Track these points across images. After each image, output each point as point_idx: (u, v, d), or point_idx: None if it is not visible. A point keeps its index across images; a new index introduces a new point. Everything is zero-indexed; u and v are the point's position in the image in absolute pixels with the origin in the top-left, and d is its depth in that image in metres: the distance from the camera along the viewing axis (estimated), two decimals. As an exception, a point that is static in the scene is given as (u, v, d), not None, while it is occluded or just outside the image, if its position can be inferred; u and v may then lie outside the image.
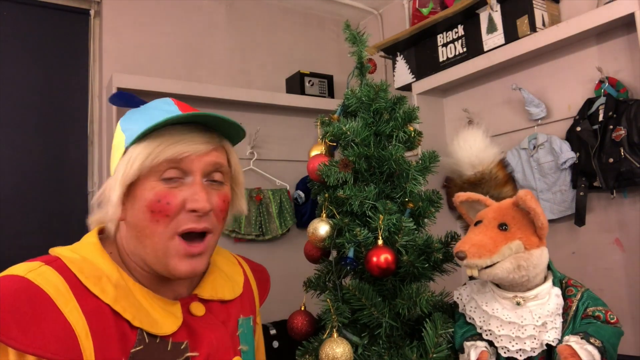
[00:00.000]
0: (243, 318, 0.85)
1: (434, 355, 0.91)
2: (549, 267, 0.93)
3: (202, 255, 0.74)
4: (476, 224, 0.92)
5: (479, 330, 0.91)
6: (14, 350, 0.60)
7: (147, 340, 0.69)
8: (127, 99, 0.79)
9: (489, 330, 0.89)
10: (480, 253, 0.85)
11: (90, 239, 0.75)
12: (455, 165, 1.10)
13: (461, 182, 1.10)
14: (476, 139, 1.09)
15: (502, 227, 0.88)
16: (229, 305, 0.84)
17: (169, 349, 0.71)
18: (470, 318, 0.94)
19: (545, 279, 0.91)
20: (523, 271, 0.86)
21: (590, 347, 0.80)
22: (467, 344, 0.91)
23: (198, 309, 0.78)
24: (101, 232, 0.79)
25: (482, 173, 1.07)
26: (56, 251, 0.72)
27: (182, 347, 0.72)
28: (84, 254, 0.71)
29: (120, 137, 0.75)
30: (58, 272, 0.66)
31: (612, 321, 0.86)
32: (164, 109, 0.76)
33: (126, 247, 0.75)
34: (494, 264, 0.85)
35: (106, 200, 0.73)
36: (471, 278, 1.03)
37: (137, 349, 0.68)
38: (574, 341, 0.81)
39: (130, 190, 0.72)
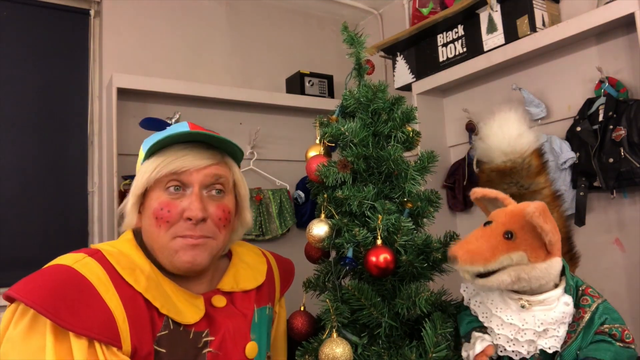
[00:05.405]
0: (257, 309, 0.92)
1: (434, 355, 0.91)
2: (563, 273, 0.89)
3: (202, 248, 0.83)
4: (486, 224, 0.88)
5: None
6: (73, 335, 0.69)
7: (172, 327, 0.78)
8: (157, 124, 0.91)
9: (489, 327, 0.88)
10: (473, 260, 0.81)
11: (126, 236, 0.86)
12: (487, 150, 1.04)
13: (489, 169, 1.03)
14: (510, 126, 1.01)
15: (508, 235, 0.83)
16: (251, 294, 0.93)
17: (190, 337, 0.79)
18: (473, 312, 0.92)
19: (558, 285, 0.86)
20: (524, 282, 0.82)
21: None
22: (475, 334, 0.90)
23: (219, 301, 0.87)
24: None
25: (514, 162, 1.00)
26: (96, 245, 0.81)
27: (202, 335, 0.81)
28: (120, 248, 0.81)
29: (141, 155, 0.89)
30: (99, 263, 0.76)
31: (627, 340, 0.82)
32: (177, 130, 0.86)
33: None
34: (491, 273, 0.82)
35: (126, 209, 0.86)
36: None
37: (163, 333, 0.77)
38: None
39: (143, 200, 0.85)
